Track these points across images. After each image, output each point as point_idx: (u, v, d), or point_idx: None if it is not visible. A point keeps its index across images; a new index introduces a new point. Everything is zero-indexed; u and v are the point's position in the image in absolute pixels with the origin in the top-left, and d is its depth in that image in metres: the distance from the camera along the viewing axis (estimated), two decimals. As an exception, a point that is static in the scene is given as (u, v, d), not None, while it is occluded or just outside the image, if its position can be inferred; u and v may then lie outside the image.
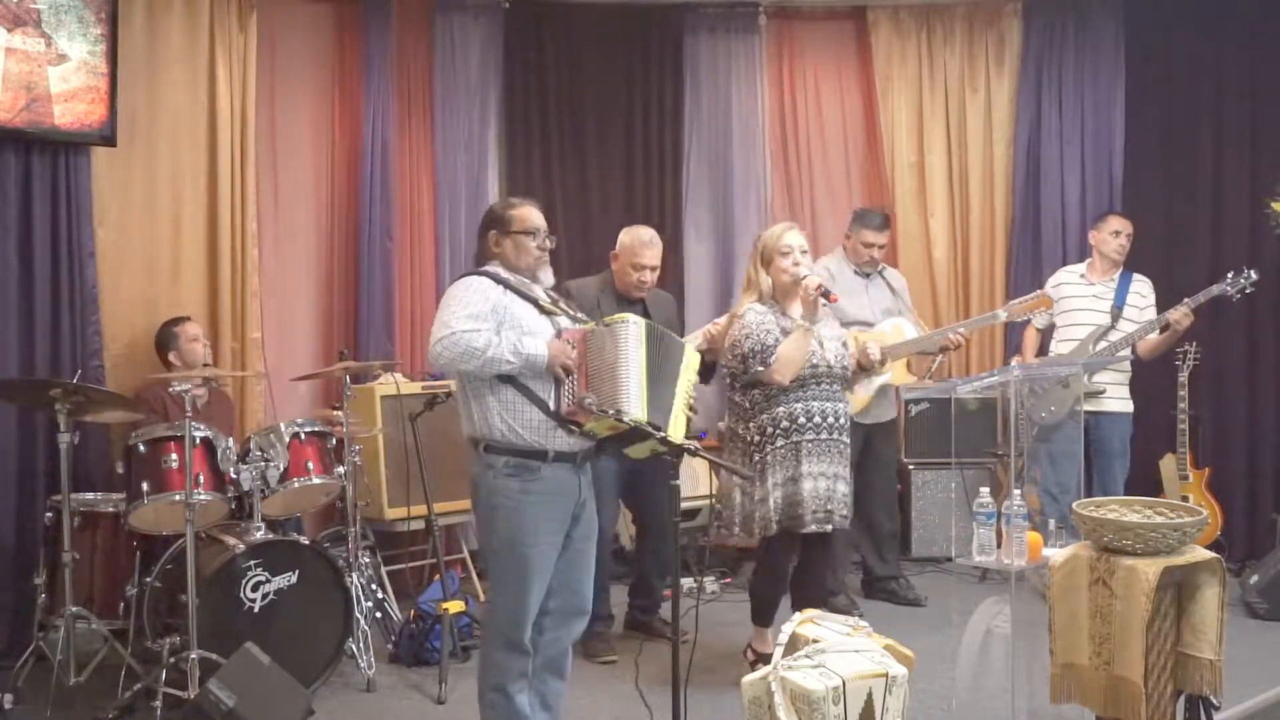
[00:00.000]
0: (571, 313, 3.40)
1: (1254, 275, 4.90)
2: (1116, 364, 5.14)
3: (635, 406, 3.10)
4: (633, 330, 3.18)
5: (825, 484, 4.00)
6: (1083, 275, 5.28)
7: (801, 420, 3.97)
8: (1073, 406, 4.94)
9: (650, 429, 3.10)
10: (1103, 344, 5.12)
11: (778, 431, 3.97)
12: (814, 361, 3.98)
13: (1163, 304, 5.15)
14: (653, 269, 4.62)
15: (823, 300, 3.93)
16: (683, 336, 4.60)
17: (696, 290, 6.27)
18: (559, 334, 3.26)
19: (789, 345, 3.93)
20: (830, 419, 4.03)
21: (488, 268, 3.33)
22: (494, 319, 3.18)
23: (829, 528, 4.04)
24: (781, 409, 3.97)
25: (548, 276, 3.42)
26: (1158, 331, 5.05)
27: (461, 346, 3.11)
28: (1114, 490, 5.01)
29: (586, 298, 4.57)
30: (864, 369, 4.24)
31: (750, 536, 4.05)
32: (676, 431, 3.21)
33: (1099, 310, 5.18)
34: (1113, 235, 5.22)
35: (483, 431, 3.23)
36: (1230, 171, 5.87)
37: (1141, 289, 5.26)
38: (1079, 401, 4.89)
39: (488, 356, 3.11)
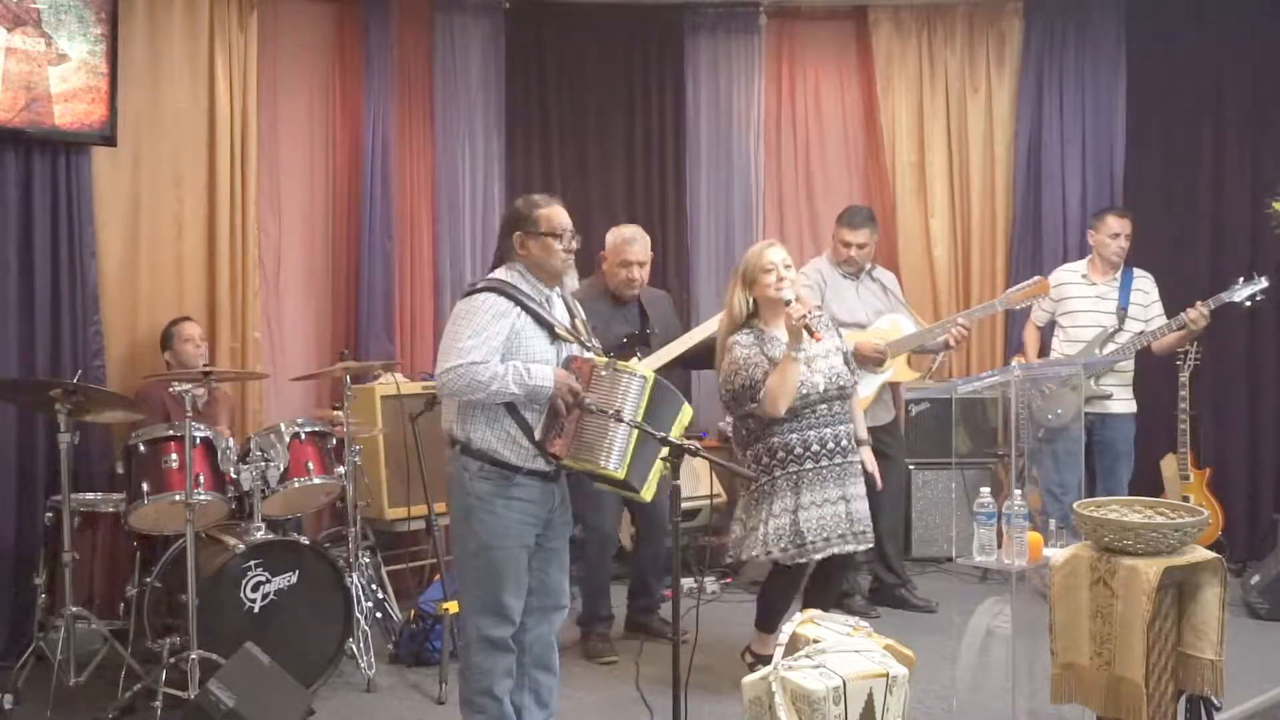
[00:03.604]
0: (585, 340, 3.37)
1: (1264, 282, 4.85)
2: (1121, 365, 5.13)
3: (615, 462, 3.12)
4: (636, 385, 3.16)
5: (835, 509, 3.94)
6: (1084, 275, 5.26)
7: (798, 450, 3.92)
8: (1080, 409, 4.93)
9: (626, 486, 3.15)
10: (1110, 346, 5.11)
11: (774, 462, 3.93)
12: (803, 391, 3.89)
13: (1165, 304, 5.15)
14: (640, 264, 4.60)
15: (805, 333, 3.78)
16: (683, 335, 4.62)
17: (699, 289, 6.26)
18: (568, 362, 3.26)
19: (775, 379, 3.83)
20: (830, 444, 3.95)
21: (505, 276, 3.28)
22: (505, 345, 3.17)
23: (851, 548, 3.99)
24: (776, 439, 3.92)
25: (573, 281, 3.39)
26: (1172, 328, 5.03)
27: (467, 380, 3.12)
28: (1119, 491, 5.00)
29: (581, 301, 4.56)
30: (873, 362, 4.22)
31: (746, 560, 4.03)
32: (648, 492, 3.22)
33: (1104, 311, 5.16)
34: (1112, 238, 5.19)
35: (461, 435, 3.24)
36: (1231, 171, 5.86)
37: (1144, 285, 5.24)
38: (1088, 403, 4.88)
39: (493, 390, 3.13)
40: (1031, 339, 5.48)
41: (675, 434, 3.24)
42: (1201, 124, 5.92)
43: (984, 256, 6.28)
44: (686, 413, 3.35)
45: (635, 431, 3.13)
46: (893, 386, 5.20)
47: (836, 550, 3.97)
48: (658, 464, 3.22)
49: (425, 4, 5.86)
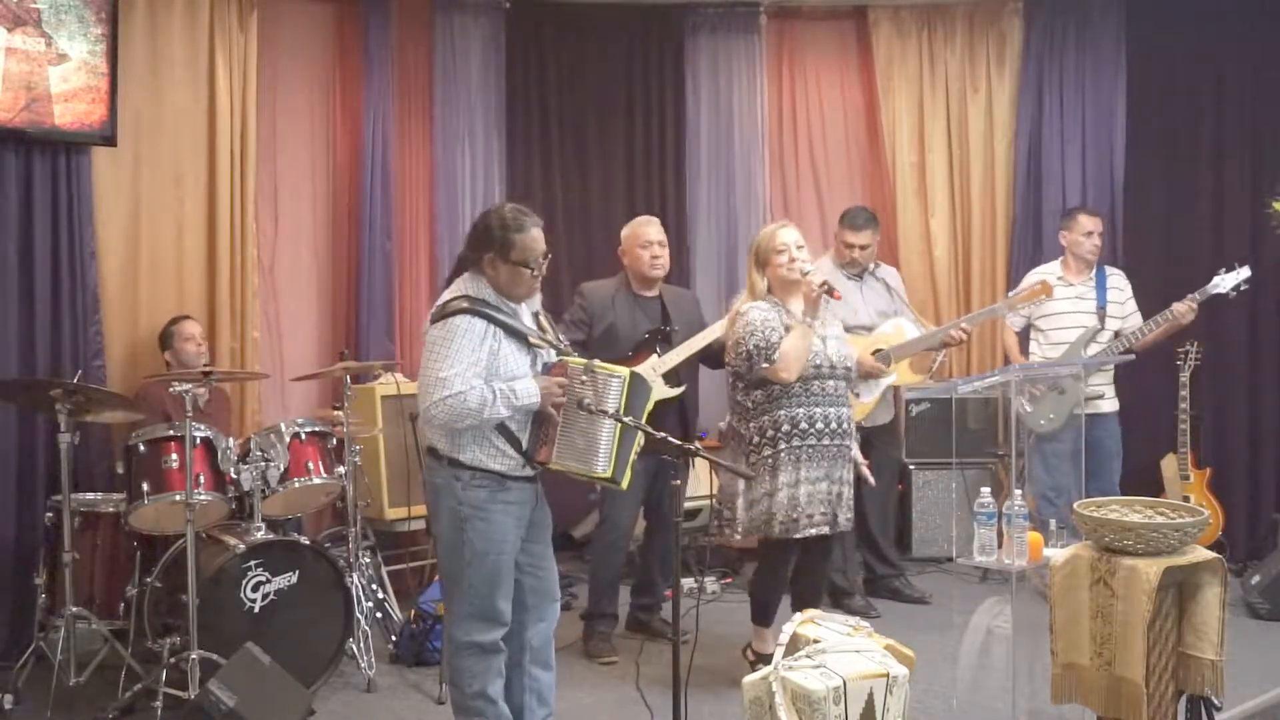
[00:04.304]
0: (556, 343, 3.38)
1: (1247, 272, 4.88)
2: (1106, 364, 5.13)
3: (604, 464, 3.18)
4: (615, 385, 3.20)
5: (825, 487, 3.98)
6: (1060, 277, 5.24)
7: (804, 425, 3.95)
8: (1072, 412, 4.94)
9: (609, 480, 3.23)
10: (1094, 346, 5.11)
11: (779, 435, 3.95)
12: (816, 361, 3.95)
13: (1159, 302, 5.14)
14: (661, 244, 4.67)
15: (826, 296, 3.92)
16: (701, 332, 4.63)
17: (700, 289, 6.24)
18: (545, 369, 3.28)
19: (790, 341, 3.90)
20: (833, 424, 3.99)
21: (473, 291, 3.23)
22: (486, 367, 3.16)
23: (827, 530, 4.02)
24: (783, 412, 3.95)
25: (535, 303, 3.39)
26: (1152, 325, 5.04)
27: (458, 411, 3.11)
28: (1111, 490, 5.00)
29: (601, 299, 4.60)
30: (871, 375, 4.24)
31: (752, 535, 4.04)
32: (626, 481, 3.30)
33: (1084, 311, 5.16)
34: (1085, 236, 5.20)
35: (450, 452, 3.23)
36: (1231, 171, 5.87)
37: (1118, 283, 5.27)
38: (1078, 406, 4.90)
39: (484, 417, 3.12)
40: (1013, 344, 5.45)
41: (643, 418, 3.31)
42: (1202, 123, 5.93)
43: (984, 256, 6.28)
44: (653, 396, 3.44)
45: (618, 429, 3.18)
46: (894, 389, 5.21)
47: (826, 530, 4.00)
48: (635, 450, 3.28)
49: (425, 4, 5.86)
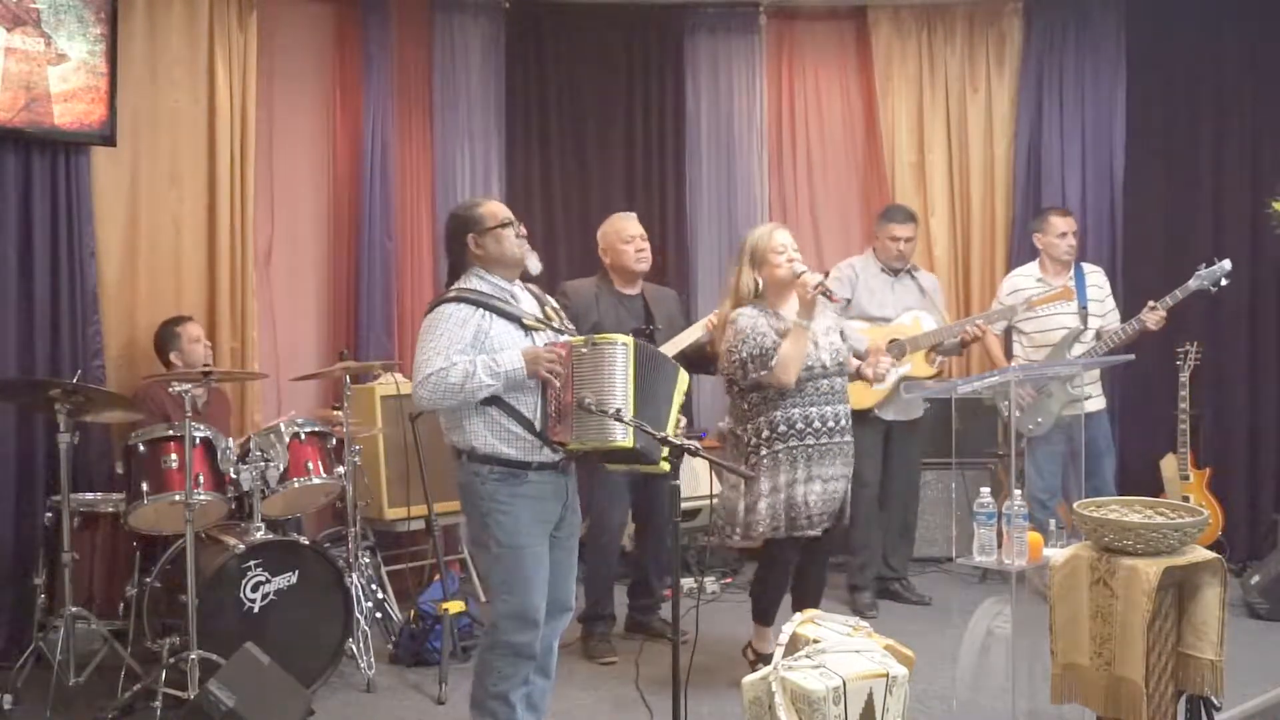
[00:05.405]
0: (559, 326, 3.37)
1: (1228, 265, 4.87)
2: (1106, 364, 5.13)
3: (622, 431, 3.08)
4: (620, 353, 3.14)
5: (821, 486, 3.98)
6: (1040, 278, 5.22)
7: (800, 426, 3.96)
8: (1060, 413, 4.94)
9: (641, 458, 3.15)
10: (1078, 346, 5.09)
11: (775, 436, 3.95)
12: (809, 363, 3.95)
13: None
14: (643, 237, 4.69)
15: (822, 298, 3.92)
16: (682, 332, 4.64)
17: (700, 289, 6.25)
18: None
19: (788, 345, 3.90)
20: (830, 422, 4.01)
21: (464, 284, 3.28)
22: (475, 348, 3.16)
23: (823, 529, 4.04)
24: (779, 413, 3.95)
25: (535, 263, 3.40)
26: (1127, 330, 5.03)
27: (441, 387, 3.11)
28: (1107, 488, 5.01)
29: (584, 297, 4.60)
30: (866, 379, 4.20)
31: (749, 541, 4.05)
32: (665, 460, 3.21)
33: (1066, 312, 5.14)
34: (1060, 237, 5.18)
35: (466, 445, 3.23)
36: (1231, 171, 5.86)
37: (1096, 279, 5.26)
38: (1065, 407, 4.90)
39: (468, 387, 3.11)
40: (994, 344, 5.43)
41: (676, 403, 3.27)
42: (1202, 123, 5.93)
43: (984, 256, 6.28)
44: (683, 379, 3.37)
45: (632, 395, 3.10)
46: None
47: (820, 529, 4.01)
48: (670, 426, 3.22)
49: (425, 4, 5.86)
